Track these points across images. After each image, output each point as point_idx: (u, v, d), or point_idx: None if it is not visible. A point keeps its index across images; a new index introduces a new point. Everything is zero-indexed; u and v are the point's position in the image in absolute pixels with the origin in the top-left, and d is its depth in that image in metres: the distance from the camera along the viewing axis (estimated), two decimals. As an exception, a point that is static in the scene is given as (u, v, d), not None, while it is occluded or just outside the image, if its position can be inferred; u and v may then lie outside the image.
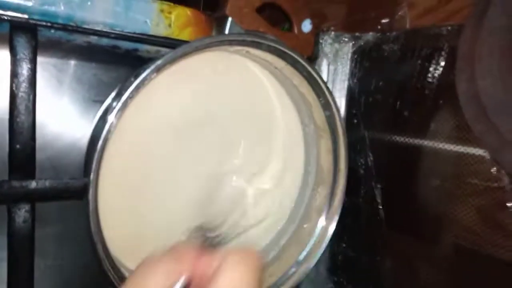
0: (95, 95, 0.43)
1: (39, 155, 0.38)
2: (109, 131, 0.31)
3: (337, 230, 0.46)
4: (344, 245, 0.50)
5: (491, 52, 0.33)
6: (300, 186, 0.49)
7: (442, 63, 0.41)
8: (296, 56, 0.38)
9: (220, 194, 0.42)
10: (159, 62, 0.31)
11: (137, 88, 0.31)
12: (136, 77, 0.31)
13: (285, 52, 0.38)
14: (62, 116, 0.42)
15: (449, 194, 0.40)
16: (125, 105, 0.31)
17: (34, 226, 0.36)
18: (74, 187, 0.37)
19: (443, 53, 0.40)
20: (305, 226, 0.47)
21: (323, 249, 0.45)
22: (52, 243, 0.43)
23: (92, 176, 0.32)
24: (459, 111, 0.38)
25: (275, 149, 0.47)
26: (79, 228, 0.41)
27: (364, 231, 0.48)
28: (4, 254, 0.36)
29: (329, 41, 0.49)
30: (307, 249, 0.45)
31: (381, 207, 0.45)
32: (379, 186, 0.46)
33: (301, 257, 0.45)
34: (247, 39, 0.36)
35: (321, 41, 0.50)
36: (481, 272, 0.38)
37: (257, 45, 0.37)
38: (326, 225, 0.45)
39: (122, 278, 0.35)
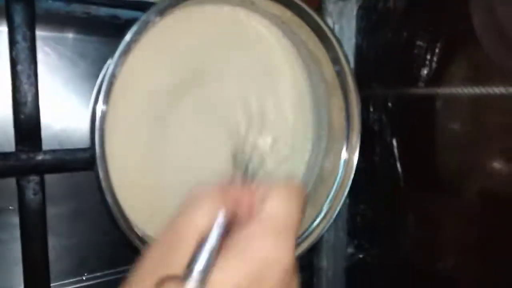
0: (97, 69, 0.43)
1: (45, 133, 0.38)
2: (109, 87, 0.30)
3: (354, 191, 0.45)
4: (362, 206, 0.48)
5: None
6: (311, 150, 0.47)
7: (453, 6, 0.39)
8: (303, 6, 0.37)
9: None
10: (161, 2, 0.30)
11: (139, 32, 0.30)
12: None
13: (292, 1, 0.36)
14: (65, 92, 0.41)
15: (470, 140, 0.39)
16: (127, 51, 0.30)
17: (45, 199, 0.35)
18: (82, 157, 0.36)
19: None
20: (319, 189, 0.45)
21: (337, 212, 0.44)
22: (67, 221, 0.43)
23: (97, 142, 0.32)
24: (474, 50, 0.37)
25: (283, 110, 0.45)
26: (93, 204, 0.41)
27: (382, 189, 0.46)
28: (17, 232, 0.36)
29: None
30: (322, 214, 0.44)
31: (398, 163, 0.44)
32: (394, 141, 0.44)
33: (316, 222, 0.44)
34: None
35: (324, 0, 0.48)
36: (511, 219, 0.37)
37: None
38: (341, 187, 0.44)
39: (141, 239, 0.34)
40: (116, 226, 0.31)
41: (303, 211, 0.22)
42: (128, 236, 0.32)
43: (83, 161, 0.36)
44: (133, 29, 0.32)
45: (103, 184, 0.31)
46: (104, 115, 0.33)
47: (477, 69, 0.38)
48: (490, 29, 0.32)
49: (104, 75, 0.33)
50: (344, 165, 0.43)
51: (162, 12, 0.32)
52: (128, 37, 0.32)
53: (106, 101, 0.31)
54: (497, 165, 0.37)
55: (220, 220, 0.21)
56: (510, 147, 0.35)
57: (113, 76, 0.32)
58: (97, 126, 0.32)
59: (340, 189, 0.44)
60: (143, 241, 0.33)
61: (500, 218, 0.38)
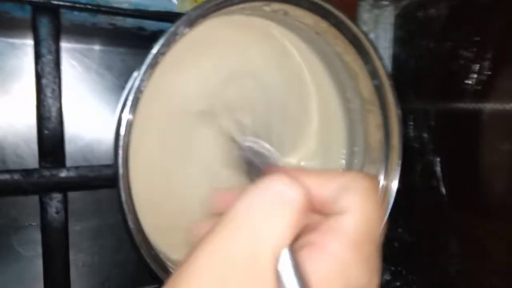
0: (124, 82, 0.42)
1: (69, 147, 0.37)
2: (135, 102, 0.28)
3: (391, 213, 0.42)
4: (400, 230, 0.45)
5: None
6: (345, 168, 0.45)
7: (502, 14, 0.35)
8: (340, 15, 0.34)
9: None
10: (190, 12, 0.29)
11: (167, 44, 0.28)
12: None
13: (328, 11, 0.34)
14: (91, 105, 0.40)
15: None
16: (154, 64, 0.28)
17: (67, 217, 0.34)
18: (106, 174, 0.35)
19: (502, 2, 0.35)
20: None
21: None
22: (89, 238, 0.42)
23: (120, 160, 0.30)
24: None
25: (308, 130, 0.43)
26: (116, 222, 0.39)
27: (422, 212, 0.43)
28: (39, 249, 0.35)
29: (367, 7, 0.45)
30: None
31: (442, 183, 0.40)
32: (438, 160, 0.40)
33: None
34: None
35: (358, 8, 0.45)
36: None
37: (298, 2, 0.33)
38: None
39: (164, 269, 0.32)
40: (138, 253, 0.29)
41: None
42: (150, 264, 0.30)
43: (107, 178, 0.34)
44: (161, 41, 0.31)
45: (125, 206, 0.29)
46: (128, 132, 0.31)
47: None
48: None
49: (130, 90, 0.31)
50: (382, 189, 0.40)
51: (191, 23, 0.30)
52: (155, 49, 0.31)
53: (131, 117, 0.30)
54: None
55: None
56: None
57: (139, 91, 0.31)
58: (120, 144, 0.30)
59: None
60: (165, 269, 0.31)
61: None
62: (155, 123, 0.34)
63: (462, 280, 0.40)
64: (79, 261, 0.41)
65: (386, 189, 0.39)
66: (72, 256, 0.39)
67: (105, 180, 0.34)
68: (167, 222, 0.34)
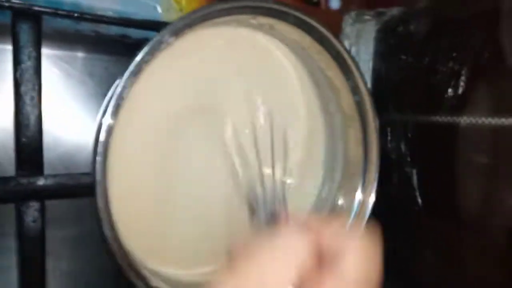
0: (106, 89, 0.41)
1: (48, 154, 0.36)
2: (115, 109, 0.28)
3: (368, 224, 0.42)
4: (378, 239, 0.46)
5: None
6: (322, 182, 0.45)
7: (479, 30, 0.37)
8: (324, 31, 0.35)
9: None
10: (176, 22, 0.29)
11: (151, 52, 0.28)
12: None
13: (312, 26, 0.35)
14: (72, 112, 0.40)
15: (495, 173, 0.36)
16: (137, 72, 0.28)
17: (44, 226, 0.34)
18: (85, 182, 0.34)
19: (479, 19, 0.37)
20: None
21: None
22: (68, 247, 0.41)
23: (98, 166, 0.30)
24: (501, 78, 0.34)
25: (293, 142, 0.43)
26: (96, 230, 0.39)
27: (400, 222, 0.44)
28: (14, 258, 0.34)
29: (350, 21, 0.46)
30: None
31: (418, 193, 0.41)
32: (414, 171, 0.41)
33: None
34: (273, 7, 0.33)
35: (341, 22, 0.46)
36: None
37: (284, 17, 0.34)
38: (355, 225, 0.41)
39: (141, 277, 0.32)
40: (114, 262, 0.29)
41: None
42: (125, 272, 0.30)
43: (86, 186, 0.34)
44: (145, 49, 0.31)
45: (101, 214, 0.29)
46: (107, 138, 0.31)
47: (504, 98, 0.35)
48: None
49: (111, 96, 0.31)
50: (360, 199, 0.40)
51: (176, 33, 0.30)
52: (139, 57, 0.31)
53: (111, 123, 0.29)
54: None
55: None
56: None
57: (120, 98, 0.31)
58: (99, 150, 0.30)
59: (356, 224, 0.41)
60: (141, 277, 0.31)
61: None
62: (138, 131, 0.34)
63: (438, 289, 0.41)
64: (58, 270, 0.40)
65: (364, 202, 0.40)
66: (50, 265, 0.38)
67: (84, 188, 0.34)
68: (146, 229, 0.34)
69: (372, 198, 0.40)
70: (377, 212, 0.43)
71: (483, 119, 0.37)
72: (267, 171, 0.37)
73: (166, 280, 0.35)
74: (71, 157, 0.39)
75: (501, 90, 0.36)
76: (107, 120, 0.29)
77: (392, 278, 0.46)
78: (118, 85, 0.31)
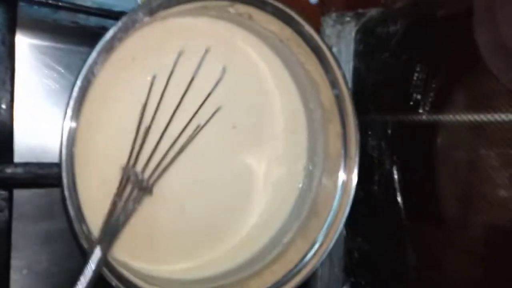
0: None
1: (21, 144, 0.35)
2: (84, 87, 0.27)
3: (351, 223, 0.42)
4: (359, 239, 0.45)
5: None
6: (304, 176, 0.45)
7: (454, 30, 0.38)
8: (304, 23, 0.35)
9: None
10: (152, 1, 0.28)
11: (125, 29, 0.28)
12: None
13: (291, 17, 0.35)
14: (47, 103, 0.39)
15: (473, 169, 0.36)
16: (107, 51, 0.28)
17: (11, 217, 0.32)
18: (55, 172, 0.33)
19: (454, 19, 0.38)
20: (312, 221, 0.42)
21: (332, 245, 0.40)
22: (37, 243, 0.39)
23: (63, 156, 0.29)
24: (477, 75, 0.35)
25: (273, 134, 0.43)
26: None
27: (382, 221, 0.43)
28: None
29: (331, 23, 0.47)
30: (315, 246, 0.40)
31: (398, 192, 0.41)
32: (394, 170, 0.41)
33: (309, 256, 0.40)
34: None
35: (322, 24, 0.47)
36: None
37: (262, 5, 0.34)
38: (336, 220, 0.41)
39: (119, 277, 0.31)
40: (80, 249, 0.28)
41: None
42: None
43: (56, 177, 0.33)
44: (118, 25, 0.29)
45: (68, 202, 0.28)
46: (75, 119, 0.29)
47: (481, 95, 0.36)
48: (497, 51, 0.30)
49: (80, 72, 0.29)
50: (340, 195, 0.40)
51: (151, 12, 0.29)
52: (111, 31, 0.29)
53: (78, 108, 0.29)
54: (502, 196, 0.35)
55: None
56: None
57: (91, 73, 0.29)
58: (64, 137, 0.29)
59: (336, 220, 0.41)
60: (109, 267, 0.30)
61: (507, 254, 0.35)
62: (105, 117, 0.34)
63: (419, 290, 0.41)
64: (24, 268, 0.38)
65: (345, 193, 0.40)
66: (16, 262, 0.37)
67: (54, 179, 0.32)
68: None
69: (353, 187, 0.40)
70: (360, 211, 0.43)
71: (461, 116, 0.37)
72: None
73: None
74: (43, 147, 0.38)
75: (477, 87, 0.37)
76: (74, 96, 0.28)
77: (374, 280, 0.45)
78: (88, 60, 0.29)
